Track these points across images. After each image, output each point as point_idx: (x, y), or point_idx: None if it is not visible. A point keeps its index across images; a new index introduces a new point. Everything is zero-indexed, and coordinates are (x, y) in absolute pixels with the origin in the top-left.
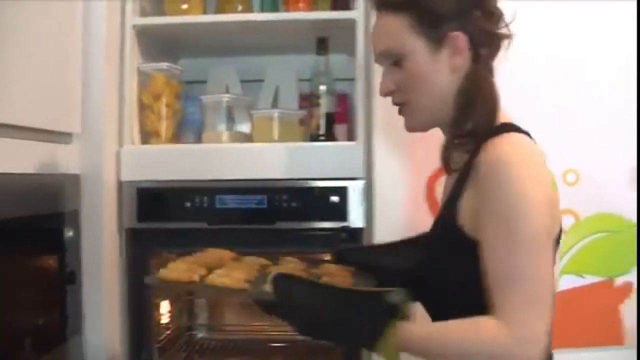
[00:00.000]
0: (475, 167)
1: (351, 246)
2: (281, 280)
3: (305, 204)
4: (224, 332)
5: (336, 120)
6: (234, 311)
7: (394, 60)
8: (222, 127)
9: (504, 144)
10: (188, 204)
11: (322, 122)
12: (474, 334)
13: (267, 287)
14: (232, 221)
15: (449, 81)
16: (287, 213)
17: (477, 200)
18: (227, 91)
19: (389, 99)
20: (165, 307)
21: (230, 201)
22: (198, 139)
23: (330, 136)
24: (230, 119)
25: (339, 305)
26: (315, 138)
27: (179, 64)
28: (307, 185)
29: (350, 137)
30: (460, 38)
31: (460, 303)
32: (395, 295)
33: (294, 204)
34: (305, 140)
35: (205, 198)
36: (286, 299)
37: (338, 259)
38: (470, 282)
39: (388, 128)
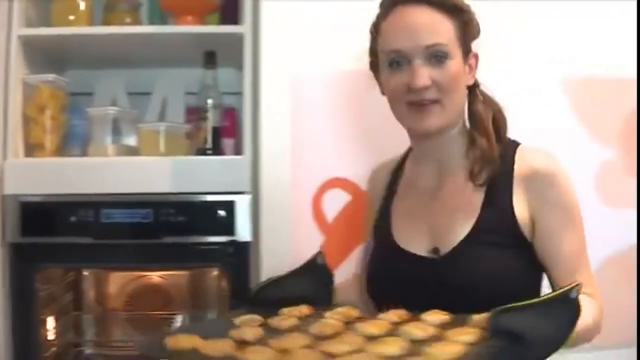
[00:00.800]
0: (523, 177)
1: (261, 285)
2: (501, 316)
3: (192, 218)
4: (112, 347)
5: (223, 134)
6: (121, 327)
7: (436, 56)
8: (108, 140)
9: (545, 156)
10: (73, 218)
11: (209, 136)
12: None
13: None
14: (118, 236)
15: (465, 93)
16: (174, 227)
17: (534, 202)
18: (113, 104)
19: (276, 112)
20: (51, 323)
21: (116, 215)
22: (84, 152)
23: (217, 150)
24: (117, 132)
25: (553, 317)
26: (202, 152)
27: (65, 75)
28: (194, 199)
29: (238, 151)
30: (477, 58)
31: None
32: (575, 290)
33: (180, 218)
34: (192, 154)
35: (91, 212)
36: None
37: (254, 301)
38: (519, 281)
39: (275, 142)
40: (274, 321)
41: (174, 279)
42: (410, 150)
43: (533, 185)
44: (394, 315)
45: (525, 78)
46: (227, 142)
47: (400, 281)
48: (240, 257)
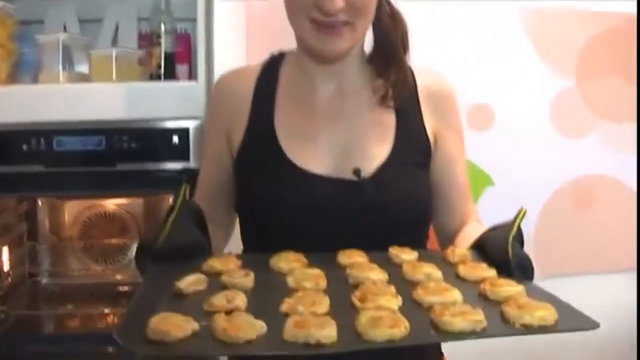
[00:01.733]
0: (427, 97)
1: (153, 237)
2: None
3: (146, 145)
4: (68, 277)
5: (177, 60)
6: (77, 256)
7: None
8: (59, 67)
9: (443, 77)
10: (25, 147)
11: (162, 62)
12: None
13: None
14: (71, 163)
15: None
16: (128, 154)
17: (438, 123)
18: (64, 30)
19: (229, 38)
20: (5, 254)
21: (69, 143)
22: (35, 80)
23: (170, 76)
24: (68, 59)
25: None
26: (155, 78)
27: (14, 3)
28: (148, 125)
29: (191, 77)
30: None
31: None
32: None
33: (134, 145)
34: (145, 80)
35: (43, 140)
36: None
37: (159, 256)
38: (428, 199)
39: (227, 68)
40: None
41: (129, 207)
42: (279, 57)
43: (436, 107)
44: (357, 256)
45: (484, 11)
46: (181, 68)
47: (311, 205)
48: (195, 183)
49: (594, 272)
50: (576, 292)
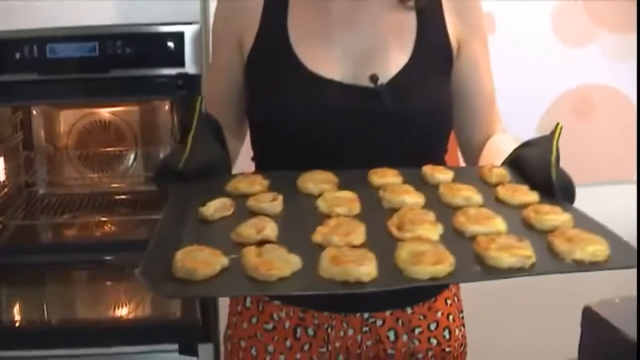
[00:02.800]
0: None
1: (176, 156)
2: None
3: (140, 51)
4: (65, 186)
5: None
6: (73, 165)
7: None
8: None
9: None
10: (18, 55)
11: None
12: None
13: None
14: (65, 71)
15: None
16: (122, 60)
17: (461, 27)
18: None
19: None
20: (0, 164)
21: (62, 50)
22: None
23: None
24: None
25: None
26: None
27: None
28: (142, 30)
29: None
30: None
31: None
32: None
33: (128, 51)
34: None
35: (35, 48)
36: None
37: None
38: (449, 108)
39: None
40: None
41: (124, 115)
42: None
43: (459, 9)
44: (391, 175)
45: None
46: None
47: (324, 111)
48: (190, 89)
49: (594, 182)
50: (576, 202)
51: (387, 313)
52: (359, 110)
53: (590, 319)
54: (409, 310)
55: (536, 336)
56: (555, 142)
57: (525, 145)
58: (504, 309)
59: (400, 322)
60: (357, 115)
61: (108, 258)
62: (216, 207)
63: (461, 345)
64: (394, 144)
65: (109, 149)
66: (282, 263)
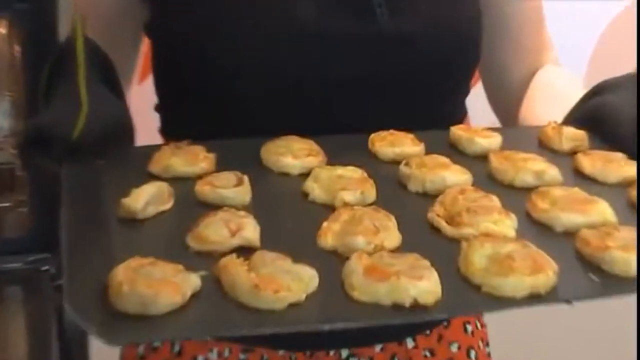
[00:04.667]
0: None
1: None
2: None
3: None
4: None
5: None
6: None
7: None
8: None
9: None
10: None
11: None
12: None
13: None
14: None
15: None
16: None
17: None
18: None
19: None
20: None
21: None
22: None
23: None
24: None
25: None
26: None
27: None
28: None
29: None
30: None
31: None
32: None
33: None
34: None
35: None
36: None
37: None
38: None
39: None
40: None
41: None
42: None
43: None
44: (404, 140)
45: None
46: None
47: (292, 37)
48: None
49: None
50: None
51: (377, 348)
52: (343, 34)
53: None
54: (410, 343)
55: None
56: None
57: (603, 89)
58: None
59: None
60: (341, 41)
61: None
62: (148, 198)
63: None
64: (396, 84)
65: None
66: (292, 280)
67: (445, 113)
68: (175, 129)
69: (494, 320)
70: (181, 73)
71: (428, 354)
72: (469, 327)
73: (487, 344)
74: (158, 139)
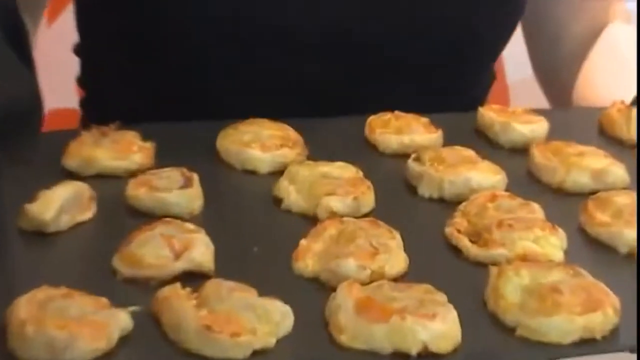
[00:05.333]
0: None
1: None
2: None
3: None
4: None
5: None
6: None
7: None
8: None
9: None
10: None
11: None
12: None
13: None
14: None
15: None
16: None
17: None
18: None
19: None
20: None
21: None
22: None
23: None
24: None
25: None
26: None
27: None
28: None
29: None
30: None
31: None
32: None
33: None
34: None
35: None
36: None
37: None
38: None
39: None
40: None
41: None
42: None
43: None
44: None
45: None
46: None
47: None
48: None
49: None
50: None
51: None
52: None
53: None
54: None
55: None
56: None
57: None
58: None
59: None
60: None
61: None
62: (61, 204)
63: None
64: (406, 49)
65: None
66: (258, 320)
67: (470, 84)
68: (97, 78)
69: None
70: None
71: None
72: None
73: None
74: (72, 98)
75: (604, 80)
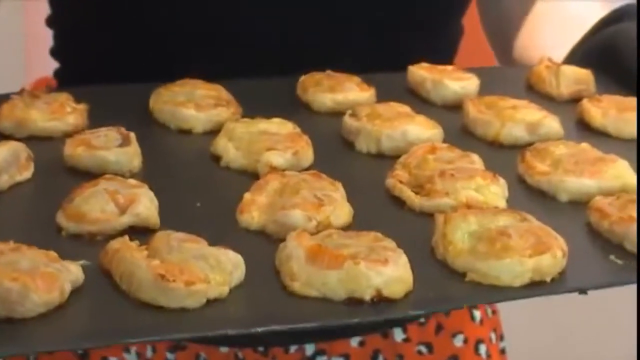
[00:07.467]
0: None
1: None
2: None
3: None
4: None
5: None
6: None
7: None
8: None
9: None
10: None
11: None
12: None
13: None
14: None
15: None
16: None
17: None
18: None
19: None
20: None
21: None
22: None
23: None
24: None
25: None
26: None
27: None
28: None
29: None
30: None
31: None
32: None
33: None
34: None
35: None
36: None
37: None
38: None
39: None
40: None
41: None
42: None
43: None
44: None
45: None
46: None
47: None
48: None
49: None
50: None
51: (353, 342)
52: None
53: None
54: (398, 335)
55: None
56: None
57: (623, 16)
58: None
59: (381, 359)
60: None
61: None
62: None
63: None
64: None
65: None
66: (211, 269)
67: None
68: (69, 48)
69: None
70: None
71: (424, 349)
72: (477, 314)
73: (502, 338)
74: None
75: (545, 34)
